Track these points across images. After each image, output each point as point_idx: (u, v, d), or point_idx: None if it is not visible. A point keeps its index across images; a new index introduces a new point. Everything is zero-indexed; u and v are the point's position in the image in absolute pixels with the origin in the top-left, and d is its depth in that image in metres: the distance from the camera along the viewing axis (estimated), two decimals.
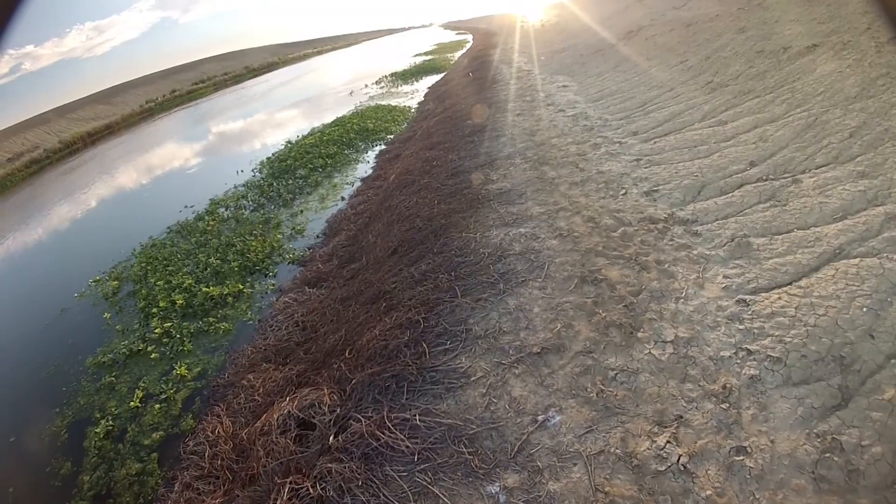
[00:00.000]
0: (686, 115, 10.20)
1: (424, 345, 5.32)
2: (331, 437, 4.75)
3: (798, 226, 5.67)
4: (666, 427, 3.83)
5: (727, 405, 3.88)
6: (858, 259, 4.79)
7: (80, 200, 26.15)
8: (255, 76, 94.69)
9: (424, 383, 4.88)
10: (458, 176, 10.39)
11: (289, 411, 5.36)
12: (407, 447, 4.22)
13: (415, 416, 4.48)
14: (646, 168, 8.59)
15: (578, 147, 10.49)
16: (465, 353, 5.07)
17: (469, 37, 76.70)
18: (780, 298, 4.71)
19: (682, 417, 3.88)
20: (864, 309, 4.20)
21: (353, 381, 5.29)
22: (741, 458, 3.49)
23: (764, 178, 6.89)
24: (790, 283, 4.89)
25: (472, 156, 11.66)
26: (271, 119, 37.42)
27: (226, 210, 15.88)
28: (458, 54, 51.07)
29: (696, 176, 7.62)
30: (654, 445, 3.71)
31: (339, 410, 5.05)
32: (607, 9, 30.96)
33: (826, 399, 3.68)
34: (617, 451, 3.74)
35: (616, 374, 4.40)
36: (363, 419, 4.67)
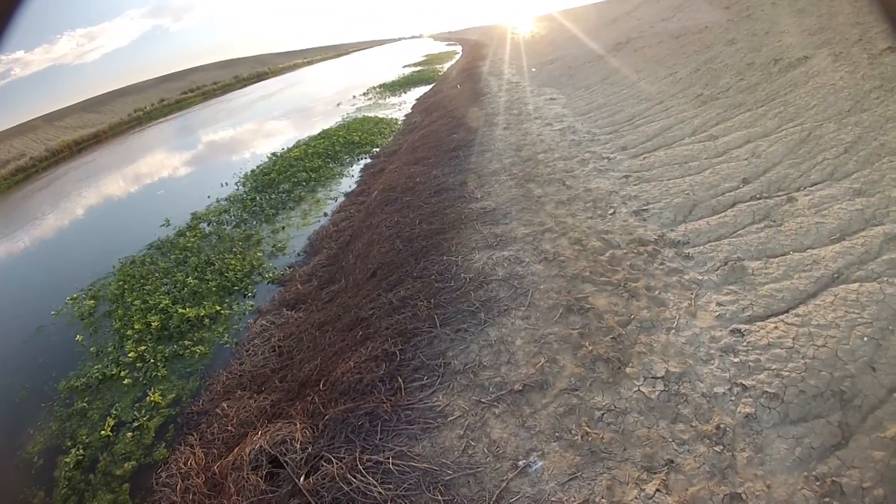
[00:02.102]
0: (676, 130, 10.01)
1: (400, 380, 5.06)
2: (301, 479, 4.53)
3: (794, 248, 5.45)
4: (655, 473, 3.60)
5: (721, 447, 3.66)
6: (858, 284, 4.60)
7: (63, 213, 25.75)
8: (245, 86, 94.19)
9: (399, 422, 4.60)
10: (442, 193, 10.14)
11: (260, 446, 5.18)
12: (379, 493, 3.97)
13: (388, 458, 4.23)
14: (635, 185, 8.37)
15: (566, 163, 10.28)
16: (443, 390, 4.79)
17: (459, 48, 76.88)
18: (776, 328, 4.47)
19: (672, 462, 3.64)
20: (865, 339, 4.02)
21: (326, 417, 5.07)
22: None
23: (757, 196, 6.68)
24: (787, 311, 4.67)
25: (456, 172, 11.43)
26: (258, 130, 37.18)
27: (207, 225, 15.57)
28: (447, 65, 51.21)
29: (688, 194, 7.39)
30: (642, 494, 3.47)
31: (310, 448, 4.85)
32: (596, 21, 31.11)
33: (825, 438, 3.49)
34: (603, 500, 3.50)
35: (603, 415, 4.13)
36: (335, 460, 4.45)
